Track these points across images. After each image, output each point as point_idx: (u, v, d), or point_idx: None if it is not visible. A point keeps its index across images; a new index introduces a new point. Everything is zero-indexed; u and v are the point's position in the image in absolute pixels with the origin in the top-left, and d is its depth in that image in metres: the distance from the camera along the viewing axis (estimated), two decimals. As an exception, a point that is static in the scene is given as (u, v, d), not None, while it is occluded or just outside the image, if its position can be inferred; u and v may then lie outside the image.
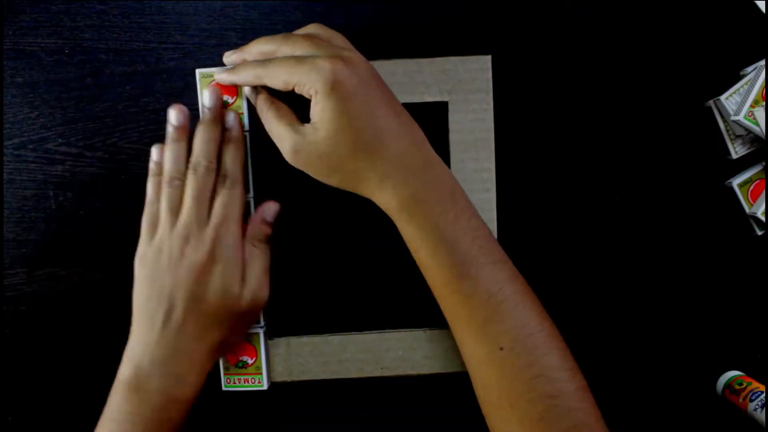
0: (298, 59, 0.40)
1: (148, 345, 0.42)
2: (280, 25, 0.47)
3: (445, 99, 0.47)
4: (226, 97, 0.46)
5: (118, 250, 0.49)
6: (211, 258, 0.42)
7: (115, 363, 0.49)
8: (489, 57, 0.46)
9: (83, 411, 0.50)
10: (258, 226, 0.45)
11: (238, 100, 0.46)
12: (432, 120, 0.47)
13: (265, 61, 0.42)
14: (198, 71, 0.46)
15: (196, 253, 0.42)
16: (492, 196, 0.47)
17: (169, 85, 0.48)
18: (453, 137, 0.47)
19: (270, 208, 0.46)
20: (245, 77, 0.43)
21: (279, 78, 0.40)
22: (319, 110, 0.40)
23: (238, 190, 0.44)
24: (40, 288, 0.49)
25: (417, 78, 0.46)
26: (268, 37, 0.43)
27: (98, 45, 0.48)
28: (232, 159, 0.44)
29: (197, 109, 0.46)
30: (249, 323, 0.47)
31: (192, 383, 0.43)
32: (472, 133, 0.47)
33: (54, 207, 0.49)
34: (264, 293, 0.45)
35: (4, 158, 0.48)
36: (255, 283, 0.44)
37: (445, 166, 0.42)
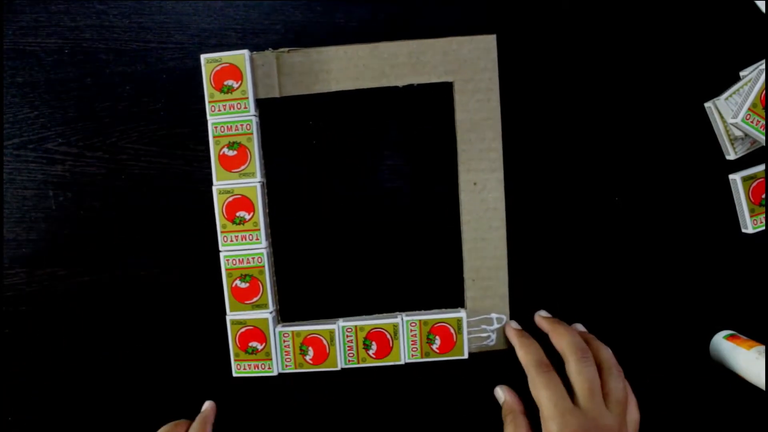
0: (558, 401, 0.42)
1: None
2: (280, 25, 0.47)
3: (450, 79, 0.46)
4: (230, 82, 0.45)
5: (118, 251, 0.49)
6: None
7: (113, 363, 0.50)
8: (494, 36, 0.46)
9: (83, 411, 0.50)
10: None
11: (243, 84, 0.46)
12: (437, 100, 0.47)
13: (542, 363, 0.44)
14: (203, 57, 0.45)
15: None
16: (500, 175, 0.47)
17: (169, 85, 0.48)
18: (459, 117, 0.47)
19: None
20: (523, 352, 0.46)
21: (535, 387, 0.43)
22: None
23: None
24: (40, 288, 0.49)
25: (422, 58, 0.46)
26: (574, 334, 0.45)
27: (98, 45, 0.48)
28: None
29: (201, 104, 0.46)
30: None
31: None
32: (478, 113, 0.46)
33: (54, 207, 0.49)
34: None
35: (4, 158, 0.48)
36: None
37: None
